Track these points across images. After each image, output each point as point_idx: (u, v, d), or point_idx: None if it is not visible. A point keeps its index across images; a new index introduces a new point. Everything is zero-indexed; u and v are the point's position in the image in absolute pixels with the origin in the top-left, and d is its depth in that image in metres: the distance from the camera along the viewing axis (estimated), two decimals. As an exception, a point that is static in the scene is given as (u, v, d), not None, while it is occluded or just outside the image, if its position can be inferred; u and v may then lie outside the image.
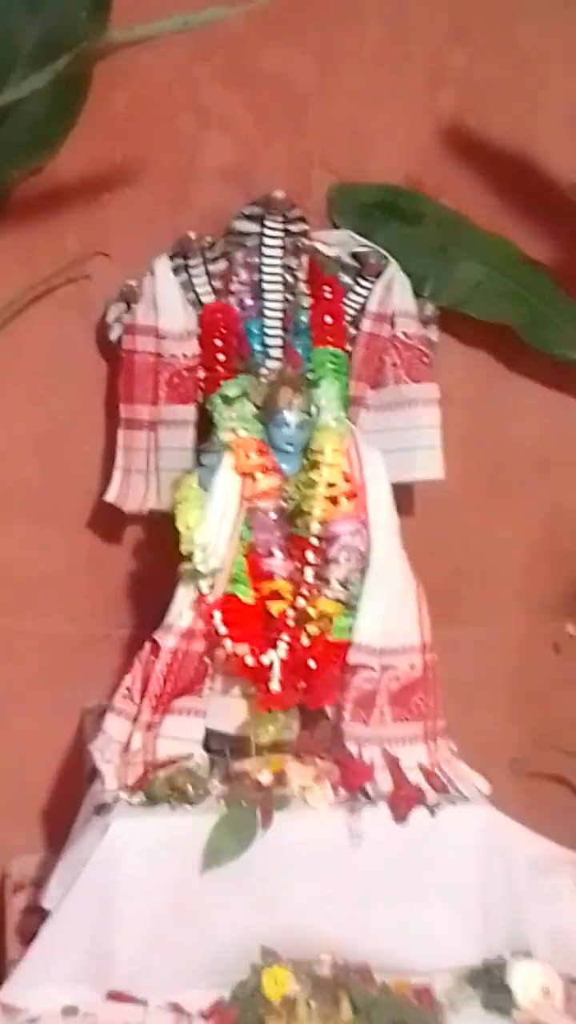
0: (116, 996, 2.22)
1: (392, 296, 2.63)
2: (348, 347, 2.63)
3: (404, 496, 2.62)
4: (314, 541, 2.39)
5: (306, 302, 2.60)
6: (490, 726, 2.80)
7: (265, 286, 2.59)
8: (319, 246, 2.62)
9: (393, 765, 2.35)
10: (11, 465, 2.72)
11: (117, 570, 2.79)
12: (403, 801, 2.30)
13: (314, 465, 2.42)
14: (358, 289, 2.64)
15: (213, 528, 2.37)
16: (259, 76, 2.67)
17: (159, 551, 2.62)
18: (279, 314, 2.60)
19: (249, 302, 2.59)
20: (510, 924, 2.37)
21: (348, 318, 2.64)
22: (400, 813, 2.29)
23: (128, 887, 2.23)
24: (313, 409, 2.47)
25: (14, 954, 2.39)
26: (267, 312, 2.59)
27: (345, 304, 2.63)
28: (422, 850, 2.31)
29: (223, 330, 2.55)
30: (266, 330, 2.59)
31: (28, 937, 2.35)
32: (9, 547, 2.73)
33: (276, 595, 2.37)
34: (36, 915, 2.41)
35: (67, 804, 2.63)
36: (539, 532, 2.96)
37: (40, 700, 2.75)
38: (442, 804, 2.33)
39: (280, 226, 2.57)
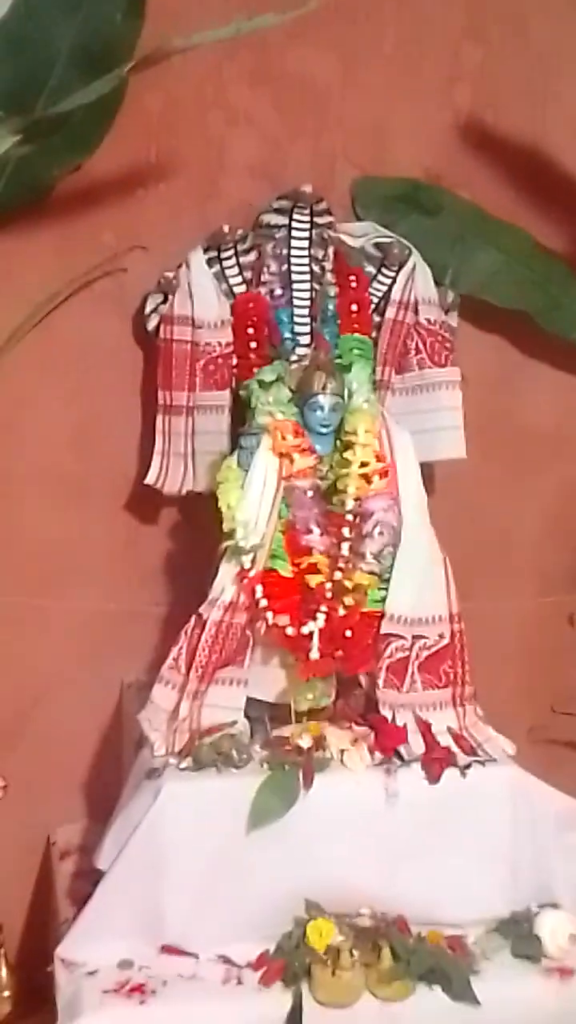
0: (169, 950, 2.30)
1: (414, 284, 2.66)
2: (373, 334, 2.65)
3: (425, 474, 2.60)
4: (349, 517, 2.41)
5: (333, 291, 2.62)
6: (508, 696, 2.81)
7: (294, 276, 2.62)
8: (344, 237, 2.66)
9: (425, 729, 2.39)
10: (51, 452, 2.74)
11: (153, 550, 2.81)
12: (435, 763, 2.35)
13: (348, 446, 2.43)
14: (382, 278, 2.66)
15: (253, 506, 2.38)
16: (284, 75, 2.69)
17: (193, 532, 2.70)
18: (307, 303, 2.62)
19: (279, 292, 2.62)
20: (537, 877, 2.42)
21: (372, 306, 2.66)
22: (433, 774, 2.34)
23: (178, 846, 2.29)
24: (345, 392, 2.50)
25: (66, 915, 2.45)
26: (296, 301, 2.62)
27: (370, 293, 2.66)
28: (453, 809, 2.36)
29: (255, 319, 2.58)
30: (295, 318, 2.61)
31: (78, 899, 2.43)
32: (49, 529, 2.75)
33: (314, 569, 2.39)
34: (84, 879, 2.50)
35: (108, 775, 2.73)
36: (553, 509, 2.98)
37: (81, 675, 2.79)
38: (471, 765, 2.37)
39: (307, 219, 2.61)
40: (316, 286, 2.62)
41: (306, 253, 2.62)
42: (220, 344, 2.62)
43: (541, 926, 2.36)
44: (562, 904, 2.40)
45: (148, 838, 2.28)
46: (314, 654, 2.36)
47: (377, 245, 2.67)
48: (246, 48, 2.56)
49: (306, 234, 2.62)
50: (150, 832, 2.28)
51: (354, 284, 2.62)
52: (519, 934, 2.37)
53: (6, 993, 2.66)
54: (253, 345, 2.58)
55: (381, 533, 2.41)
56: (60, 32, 2.48)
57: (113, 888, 2.30)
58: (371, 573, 2.42)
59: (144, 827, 2.28)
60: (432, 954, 2.28)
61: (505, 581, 2.98)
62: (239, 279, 2.63)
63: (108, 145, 2.56)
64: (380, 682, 2.42)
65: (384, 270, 2.66)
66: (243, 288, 2.63)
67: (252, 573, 2.39)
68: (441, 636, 2.46)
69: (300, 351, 2.60)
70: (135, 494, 2.75)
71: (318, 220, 2.61)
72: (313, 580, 2.39)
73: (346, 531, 2.41)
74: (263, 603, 2.38)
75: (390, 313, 2.66)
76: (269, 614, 2.38)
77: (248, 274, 2.63)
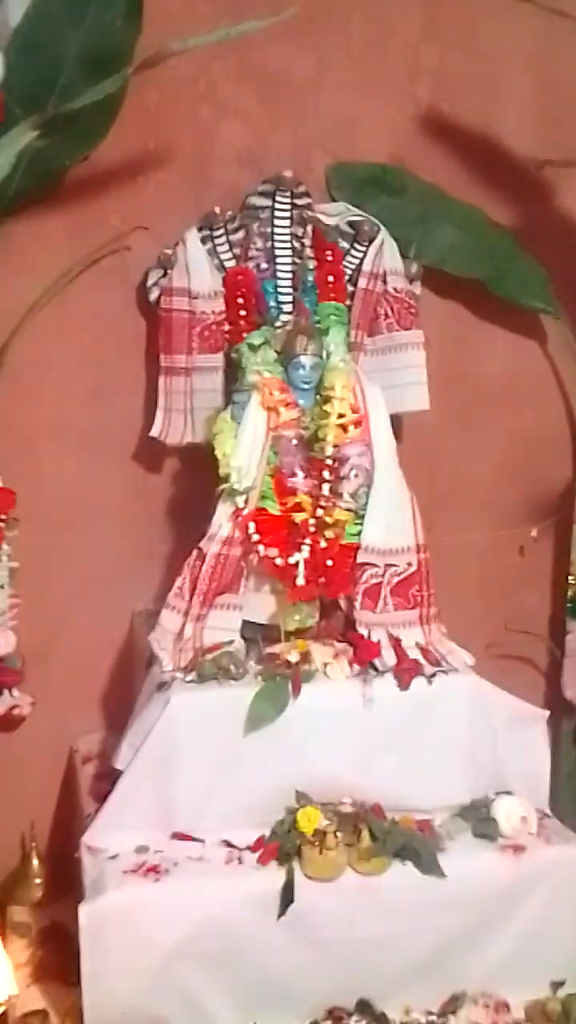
0: (179, 836, 2.35)
1: (383, 258, 2.66)
2: (348, 302, 2.65)
3: (394, 424, 2.60)
4: (328, 462, 2.44)
5: (311, 264, 2.63)
6: (468, 617, 2.75)
7: (277, 252, 2.63)
8: (321, 216, 2.66)
9: (396, 644, 2.43)
10: (67, 409, 2.73)
11: (158, 495, 2.81)
12: (405, 672, 2.39)
13: (327, 399, 2.46)
14: (354, 252, 2.66)
15: (245, 454, 2.41)
16: (266, 73, 2.69)
17: (193, 479, 2.70)
18: (289, 275, 2.63)
19: (264, 265, 2.63)
20: (493, 768, 2.49)
21: (347, 277, 2.66)
22: (403, 682, 2.39)
23: (185, 748, 2.33)
24: (324, 353, 2.50)
25: (88, 810, 2.46)
26: (279, 274, 2.63)
27: (344, 265, 2.66)
28: (421, 712, 2.41)
29: (244, 290, 2.59)
30: (279, 289, 2.63)
31: (99, 797, 2.45)
32: (67, 478, 2.75)
33: (298, 507, 2.42)
34: (104, 780, 2.51)
35: (121, 690, 2.74)
36: (505, 454, 2.99)
37: (96, 604, 2.78)
38: (436, 674, 2.42)
39: (288, 200, 2.62)
40: (297, 260, 2.64)
41: (288, 231, 2.64)
42: (214, 312, 2.62)
43: (497, 810, 2.42)
44: (514, 791, 2.47)
45: (159, 741, 2.32)
46: (300, 581, 2.42)
47: (350, 223, 2.68)
48: (233, 49, 2.55)
49: (287, 214, 2.63)
50: (161, 736, 2.32)
51: (330, 258, 2.64)
52: (478, 817, 2.43)
53: (38, 881, 2.73)
54: (243, 313, 2.59)
55: (356, 475, 2.45)
56: (68, 38, 2.47)
57: (130, 785, 2.34)
58: (348, 510, 2.45)
59: (156, 732, 2.32)
60: (404, 835, 2.34)
61: (464, 517, 2.96)
62: (229, 255, 2.63)
63: (112, 138, 2.55)
64: (357, 604, 2.46)
65: (356, 245, 2.67)
66: (233, 263, 2.63)
67: (245, 512, 2.43)
68: (409, 564, 2.48)
69: (284, 317, 2.61)
70: (142, 446, 2.75)
71: (298, 202, 2.63)
72: (298, 517, 2.43)
73: (326, 474, 2.44)
74: (255, 538, 2.42)
75: (362, 283, 2.66)
76: (260, 547, 2.42)
77: (237, 250, 2.63)
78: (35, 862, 2.76)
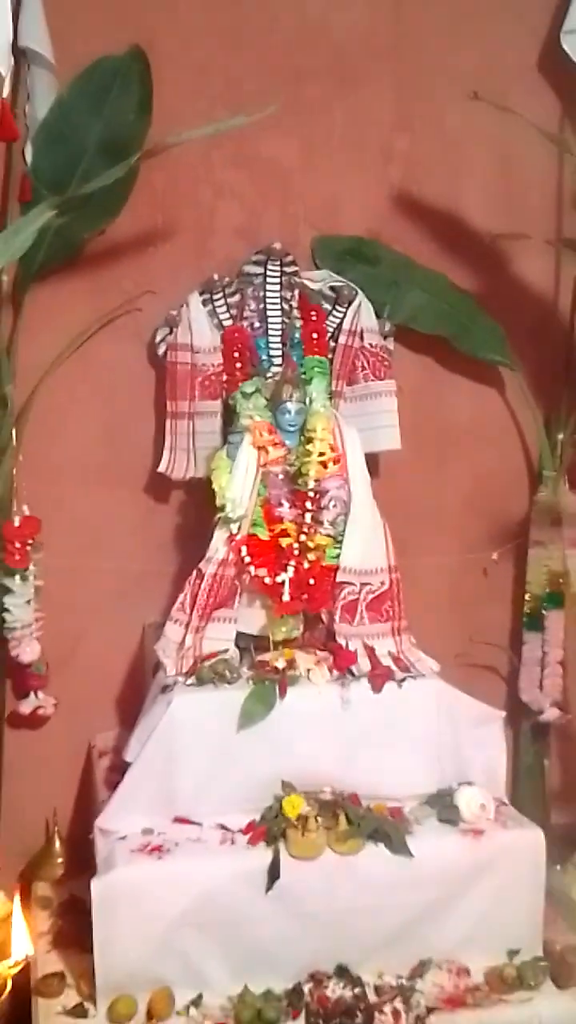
0: (179, 820, 2.36)
1: (360, 317, 2.68)
2: (329, 355, 2.66)
3: (371, 462, 2.63)
4: (311, 494, 2.45)
5: (298, 323, 2.65)
6: (439, 630, 2.73)
7: (268, 312, 2.65)
8: (306, 282, 2.68)
9: (371, 652, 2.44)
10: (85, 448, 2.74)
11: (165, 523, 2.79)
12: (378, 678, 2.40)
13: (309, 440, 2.47)
14: (335, 313, 2.68)
15: (239, 487, 2.43)
16: (258, 159, 2.71)
17: (195, 508, 2.70)
18: (279, 332, 2.65)
19: (257, 324, 2.64)
20: (456, 762, 2.47)
21: (329, 334, 2.67)
22: (376, 686, 2.39)
23: (186, 743, 2.33)
24: (307, 400, 2.52)
25: (103, 798, 2.45)
26: (270, 331, 2.65)
27: (326, 324, 2.67)
28: (392, 712, 2.40)
29: (239, 346, 2.60)
30: (270, 344, 2.65)
31: (112, 786, 2.43)
32: (86, 507, 2.73)
33: (284, 533, 2.44)
34: (116, 771, 2.49)
35: (133, 693, 2.73)
36: (470, 488, 2.96)
37: (112, 618, 2.76)
38: (406, 679, 2.42)
39: (278, 269, 2.64)
40: (286, 320, 2.66)
41: (278, 295, 2.66)
42: (213, 365, 2.64)
43: (459, 799, 2.41)
44: (475, 782, 2.46)
45: (163, 737, 2.33)
46: (286, 597, 2.43)
47: (331, 288, 2.69)
48: (229, 139, 2.56)
49: (277, 280, 2.65)
50: (164, 733, 2.33)
51: (314, 318, 2.65)
52: (443, 805, 2.42)
53: (59, 860, 2.75)
54: (238, 365, 2.60)
55: (335, 505, 2.46)
56: (87, 130, 2.52)
57: (137, 775, 2.34)
58: (328, 536, 2.47)
59: (160, 729, 2.33)
60: (377, 820, 2.34)
61: (435, 542, 2.92)
62: (227, 315, 2.65)
63: (125, 215, 2.60)
64: (336, 618, 2.47)
65: (337, 307, 2.69)
66: (230, 322, 2.65)
67: (238, 537, 2.45)
68: (382, 583, 2.48)
69: (274, 369, 2.64)
70: (151, 480, 2.75)
71: (286, 269, 2.65)
72: (284, 541, 2.45)
73: (308, 504, 2.46)
74: (247, 560, 2.43)
75: (342, 339, 2.68)
76: (252, 568, 2.43)
77: (234, 311, 2.65)
78: (57, 844, 2.77)
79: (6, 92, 1.97)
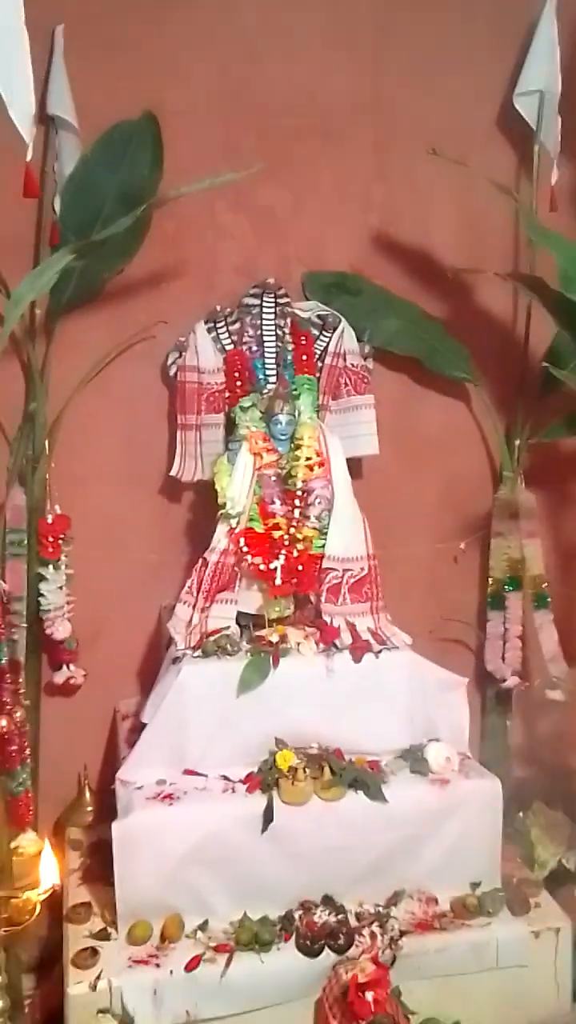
0: (188, 772, 2.37)
1: (343, 341, 2.69)
2: (317, 374, 2.66)
3: (355, 466, 2.67)
4: (299, 493, 2.47)
5: (290, 347, 2.65)
6: (415, 610, 2.76)
7: (264, 338, 2.67)
8: (297, 311, 2.69)
9: (352, 628, 2.46)
10: (108, 455, 2.74)
11: (178, 519, 2.81)
12: (358, 650, 2.42)
13: (298, 447, 2.49)
14: (322, 337, 2.70)
15: (237, 487, 2.46)
16: (255, 206, 2.72)
17: (203, 506, 2.69)
18: (273, 355, 2.66)
19: (255, 348, 2.66)
20: (425, 722, 2.48)
21: (316, 356, 2.68)
22: (356, 657, 2.41)
23: (193, 706, 2.36)
24: (296, 412, 2.54)
25: (124, 754, 2.46)
26: (266, 354, 2.67)
27: (315, 347, 2.69)
28: (370, 679, 2.41)
29: (239, 367, 2.61)
30: (266, 365, 2.66)
31: (132, 744, 2.44)
32: (109, 506, 2.74)
33: (277, 527, 2.46)
34: (136, 732, 2.48)
35: (152, 666, 2.71)
36: (440, 487, 2.97)
37: (132, 601, 2.77)
38: (382, 651, 2.43)
39: (272, 300, 2.66)
40: (279, 344, 2.67)
41: (272, 323, 2.67)
42: (216, 384, 2.65)
43: (428, 753, 2.43)
44: (442, 738, 2.48)
45: (174, 701, 2.36)
46: (278, 581, 2.45)
47: (319, 316, 2.72)
48: (229, 188, 2.50)
49: (272, 310, 2.67)
50: (175, 698, 2.35)
51: (304, 342, 2.66)
52: (414, 758, 2.44)
53: (89, 808, 2.76)
54: (238, 384, 2.61)
55: (320, 502, 2.48)
56: (107, 183, 2.51)
57: (152, 734, 2.37)
58: (314, 528, 2.48)
59: (171, 694, 2.36)
60: (357, 771, 2.36)
61: (411, 534, 2.93)
62: (228, 340, 2.67)
63: (140, 256, 2.61)
64: (322, 599, 2.48)
65: (324, 332, 2.71)
66: (231, 346, 2.66)
67: (237, 530, 2.47)
68: (362, 569, 2.50)
69: (269, 386, 2.65)
70: (165, 482, 2.76)
71: (279, 301, 2.67)
72: (276, 533, 2.47)
73: (297, 502, 2.48)
74: (245, 549, 2.45)
75: (328, 360, 2.70)
76: (249, 556, 2.45)
77: (234, 337, 2.67)
78: (87, 794, 2.77)
79: (30, 155, 1.99)
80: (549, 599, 2.86)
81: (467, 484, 2.97)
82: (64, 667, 2.72)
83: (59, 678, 2.72)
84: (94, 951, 2.22)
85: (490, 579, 2.94)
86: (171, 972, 2.17)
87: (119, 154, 2.53)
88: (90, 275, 2.54)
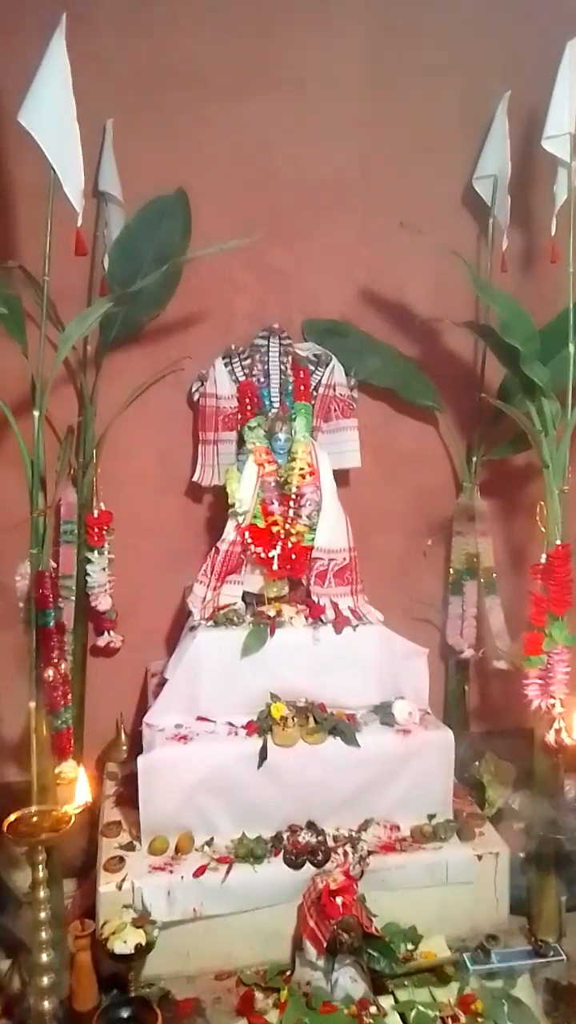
0: (201, 719, 2.42)
1: (334, 375, 2.71)
2: (312, 401, 2.66)
3: (342, 476, 2.69)
4: (293, 496, 2.50)
5: (291, 379, 2.67)
6: (389, 593, 2.73)
7: (270, 371, 2.68)
8: (297, 350, 2.70)
9: (335, 607, 2.49)
10: (144, 464, 2.75)
11: (199, 516, 2.81)
12: (339, 624, 2.45)
13: (293, 459, 2.52)
14: (317, 372, 2.70)
15: (245, 491, 2.49)
16: (265, 265, 2.73)
17: (218, 506, 2.72)
18: (277, 385, 2.68)
19: (262, 380, 2.67)
20: (393, 683, 2.51)
21: (312, 387, 2.68)
22: (338, 629, 2.44)
23: (206, 666, 2.41)
24: (293, 432, 2.57)
25: (151, 704, 2.49)
26: (271, 384, 2.68)
27: (311, 379, 2.68)
28: (349, 647, 2.45)
29: (250, 395, 2.63)
30: (271, 394, 2.68)
31: (157, 695, 2.47)
32: (144, 505, 2.74)
33: (275, 523, 2.50)
34: (160, 686, 2.51)
35: (177, 633, 2.70)
36: (412, 495, 2.94)
37: (162, 582, 2.77)
38: (359, 625, 2.46)
39: (277, 341, 2.69)
40: (282, 376, 2.68)
41: (277, 359, 2.69)
42: (231, 407, 2.67)
43: (395, 708, 2.47)
44: (406, 697, 2.51)
45: (190, 662, 2.41)
46: (275, 567, 2.49)
47: (315, 354, 2.72)
48: (244, 252, 2.48)
49: (277, 349, 2.69)
50: (191, 659, 2.41)
51: (302, 375, 2.67)
52: (383, 712, 2.47)
53: (124, 747, 2.77)
54: (248, 408, 2.62)
55: (310, 504, 2.51)
56: (147, 246, 2.53)
57: (172, 688, 2.42)
58: (305, 525, 2.51)
59: (188, 656, 2.41)
60: (336, 721, 2.40)
61: (387, 532, 2.91)
62: (241, 373, 2.68)
63: (172, 305, 2.64)
64: (311, 582, 2.51)
65: (318, 368, 2.72)
66: (244, 378, 2.67)
67: (243, 525, 2.50)
68: (344, 558, 2.52)
69: (272, 410, 2.66)
70: (189, 487, 2.77)
71: (283, 342, 2.69)
72: (274, 528, 2.51)
73: (291, 503, 2.52)
74: (249, 541, 2.50)
75: (320, 391, 2.71)
76: (252, 546, 2.49)
77: (246, 370, 2.68)
78: (123, 736, 2.79)
79: (80, 221, 2.05)
80: (497, 587, 2.84)
81: (434, 492, 2.95)
82: (106, 633, 2.72)
83: (101, 642, 2.73)
84: (121, 859, 2.26)
85: (451, 569, 2.92)
86: (182, 877, 2.21)
87: (156, 223, 2.55)
88: (131, 319, 2.58)
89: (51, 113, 1.96)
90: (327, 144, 2.75)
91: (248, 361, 2.70)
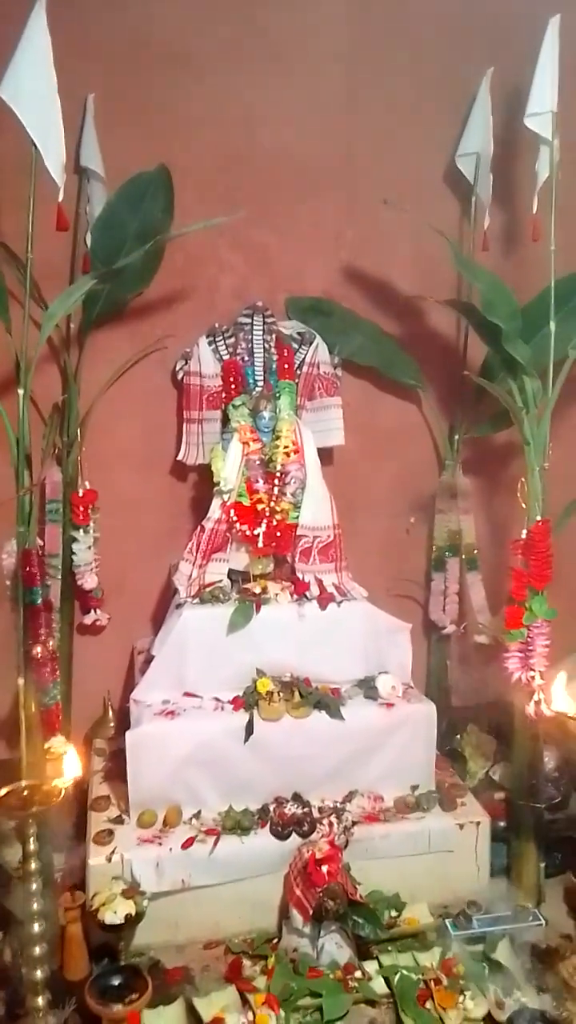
0: (187, 694, 2.41)
1: (317, 353, 2.71)
2: (296, 380, 2.67)
3: (326, 455, 2.69)
4: (278, 474, 2.50)
5: (274, 357, 2.66)
6: (375, 571, 2.77)
7: (254, 350, 2.67)
8: (280, 328, 2.69)
9: (319, 583, 2.50)
10: (129, 442, 2.74)
11: (184, 495, 2.81)
12: (324, 600, 2.46)
13: (277, 437, 2.52)
14: (301, 350, 2.70)
15: (229, 469, 2.48)
16: (249, 243, 2.71)
17: (203, 485, 2.71)
18: (261, 364, 2.66)
19: (246, 358, 2.66)
20: (377, 658, 2.52)
21: (296, 365, 2.68)
22: (322, 605, 2.46)
23: (192, 642, 2.40)
24: (277, 410, 2.56)
25: (138, 680, 2.48)
26: (255, 363, 2.66)
27: (294, 358, 2.68)
28: (334, 623, 2.46)
29: (233, 373, 2.61)
30: (255, 372, 2.66)
31: (144, 672, 2.47)
32: (129, 484, 2.74)
33: (260, 501, 2.49)
34: (147, 663, 2.51)
35: (162, 611, 2.70)
36: (395, 473, 2.95)
37: (148, 560, 2.77)
38: (343, 601, 2.47)
39: (261, 319, 2.67)
40: (266, 355, 2.67)
41: (261, 337, 2.67)
42: (215, 386, 2.65)
43: (378, 682, 2.48)
44: (389, 671, 2.52)
45: (176, 638, 2.40)
46: (260, 544, 2.49)
47: (298, 332, 2.72)
48: (228, 229, 2.52)
49: (261, 327, 2.67)
50: (177, 635, 2.40)
51: (286, 354, 2.67)
52: (367, 686, 2.49)
53: (111, 723, 2.79)
54: (232, 387, 2.61)
55: (294, 482, 2.51)
56: (129, 222, 2.52)
57: (159, 664, 2.41)
58: (290, 503, 2.51)
59: (174, 633, 2.40)
60: (321, 695, 2.41)
61: (372, 510, 2.92)
62: (225, 351, 2.66)
63: (155, 282, 2.62)
64: (296, 559, 2.52)
65: (302, 346, 2.71)
66: (227, 356, 2.65)
67: (228, 503, 2.50)
68: (329, 536, 2.52)
69: (257, 389, 2.64)
70: (173, 465, 2.76)
71: (267, 320, 2.68)
72: (259, 506, 2.50)
73: (276, 481, 2.51)
74: (234, 518, 2.49)
75: (304, 369, 2.71)
76: (237, 524, 2.49)
77: (230, 349, 2.67)
78: (110, 712, 2.81)
79: (61, 196, 2.03)
80: (479, 563, 2.88)
81: (417, 470, 2.95)
82: (92, 611, 2.73)
83: (88, 620, 2.73)
84: (110, 832, 2.27)
85: (434, 547, 2.93)
86: (171, 849, 2.22)
87: (138, 199, 2.53)
88: (114, 297, 2.56)
89: (32, 87, 1.94)
90: (310, 121, 2.73)
91: (232, 339, 2.68)
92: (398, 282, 2.85)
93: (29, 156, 2.00)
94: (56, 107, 1.98)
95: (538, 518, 2.24)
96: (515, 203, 2.75)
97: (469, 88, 2.68)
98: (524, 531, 2.25)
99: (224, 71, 2.64)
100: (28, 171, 2.02)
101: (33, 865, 1.74)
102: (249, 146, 2.71)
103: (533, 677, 2.22)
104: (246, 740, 2.31)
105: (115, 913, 2.01)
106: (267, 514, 2.49)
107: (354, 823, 2.33)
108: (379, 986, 2.08)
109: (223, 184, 2.68)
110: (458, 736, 2.80)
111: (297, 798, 2.37)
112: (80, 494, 2.60)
